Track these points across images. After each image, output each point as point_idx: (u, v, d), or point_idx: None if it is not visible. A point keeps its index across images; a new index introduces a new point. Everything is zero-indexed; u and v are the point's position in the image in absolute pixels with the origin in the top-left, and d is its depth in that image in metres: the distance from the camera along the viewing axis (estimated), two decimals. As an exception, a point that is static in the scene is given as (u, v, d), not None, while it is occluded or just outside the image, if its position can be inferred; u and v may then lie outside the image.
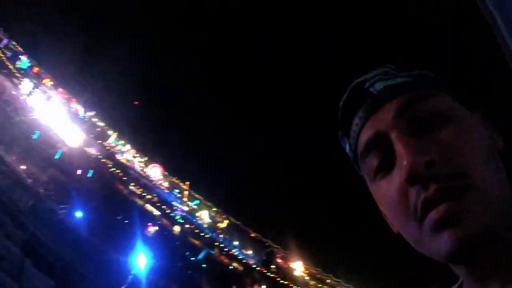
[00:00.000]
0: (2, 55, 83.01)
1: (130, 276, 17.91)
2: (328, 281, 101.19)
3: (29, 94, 78.17)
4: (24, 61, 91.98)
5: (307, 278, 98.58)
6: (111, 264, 21.00)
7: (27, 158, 36.37)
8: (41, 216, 19.75)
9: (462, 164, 0.52)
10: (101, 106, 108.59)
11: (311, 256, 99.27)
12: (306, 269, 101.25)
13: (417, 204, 0.54)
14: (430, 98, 0.60)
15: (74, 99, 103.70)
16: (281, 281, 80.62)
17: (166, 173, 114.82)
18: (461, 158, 0.53)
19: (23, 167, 30.70)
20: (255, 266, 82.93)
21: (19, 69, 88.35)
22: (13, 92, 70.02)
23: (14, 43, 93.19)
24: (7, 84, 72.41)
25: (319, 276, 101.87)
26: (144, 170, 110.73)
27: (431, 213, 0.52)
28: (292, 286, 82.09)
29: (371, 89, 0.64)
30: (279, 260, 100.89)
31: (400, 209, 0.57)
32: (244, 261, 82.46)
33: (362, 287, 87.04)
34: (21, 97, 71.83)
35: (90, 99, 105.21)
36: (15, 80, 79.48)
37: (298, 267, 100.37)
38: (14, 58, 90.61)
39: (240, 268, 74.40)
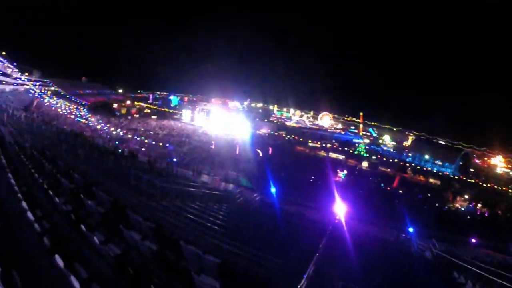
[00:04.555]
0: (155, 107, 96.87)
1: (330, 227, 16.93)
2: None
3: (192, 119, 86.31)
4: (174, 99, 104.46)
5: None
6: (314, 224, 19.41)
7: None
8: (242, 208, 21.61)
9: None
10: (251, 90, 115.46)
11: (510, 147, 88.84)
12: (507, 162, 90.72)
13: None
14: None
15: (227, 99, 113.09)
16: (484, 185, 69.15)
17: (335, 115, 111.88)
18: None
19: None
20: (452, 175, 75.24)
21: (174, 107, 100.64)
22: (180, 124, 78.88)
23: (157, 92, 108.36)
24: (172, 123, 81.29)
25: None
26: (315, 123, 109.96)
27: None
28: (498, 188, 67.79)
29: None
30: (476, 161, 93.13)
31: None
32: (440, 173, 75.54)
33: None
34: (188, 125, 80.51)
35: (240, 90, 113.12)
36: (176, 117, 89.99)
37: (499, 163, 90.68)
38: (167, 101, 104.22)
39: (438, 182, 67.25)
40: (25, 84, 71.56)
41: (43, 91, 72.04)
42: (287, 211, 22.82)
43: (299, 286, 7.51)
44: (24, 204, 7.23)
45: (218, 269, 6.95)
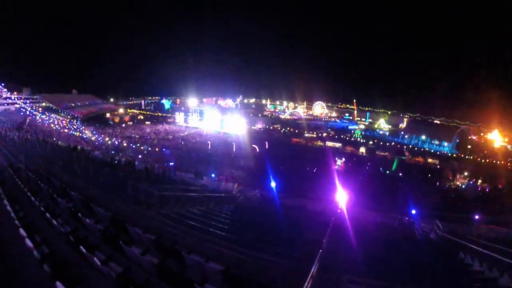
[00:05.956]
0: (148, 112, 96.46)
1: (332, 219, 16.68)
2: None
3: (186, 120, 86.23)
4: (166, 102, 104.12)
5: (509, 147, 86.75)
6: (317, 217, 19.28)
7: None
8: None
9: None
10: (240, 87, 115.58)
11: (507, 122, 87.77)
12: (504, 136, 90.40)
13: None
14: None
15: (220, 98, 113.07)
16: (483, 161, 69.31)
17: (329, 104, 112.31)
18: None
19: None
20: (450, 154, 75.24)
21: (167, 111, 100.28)
22: (174, 128, 78.70)
23: (149, 98, 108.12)
24: (167, 127, 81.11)
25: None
26: (310, 113, 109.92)
27: None
28: (496, 163, 68.01)
29: None
30: (473, 137, 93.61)
31: None
32: (438, 152, 75.69)
33: None
34: (182, 128, 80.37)
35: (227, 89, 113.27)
36: (170, 120, 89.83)
37: (495, 138, 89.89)
38: (160, 105, 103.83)
39: (436, 161, 67.38)
40: (16, 103, 70.86)
41: (34, 108, 71.39)
42: (289, 205, 22.73)
43: (304, 286, 7.35)
44: (21, 231, 7.24)
45: (222, 277, 6.87)
